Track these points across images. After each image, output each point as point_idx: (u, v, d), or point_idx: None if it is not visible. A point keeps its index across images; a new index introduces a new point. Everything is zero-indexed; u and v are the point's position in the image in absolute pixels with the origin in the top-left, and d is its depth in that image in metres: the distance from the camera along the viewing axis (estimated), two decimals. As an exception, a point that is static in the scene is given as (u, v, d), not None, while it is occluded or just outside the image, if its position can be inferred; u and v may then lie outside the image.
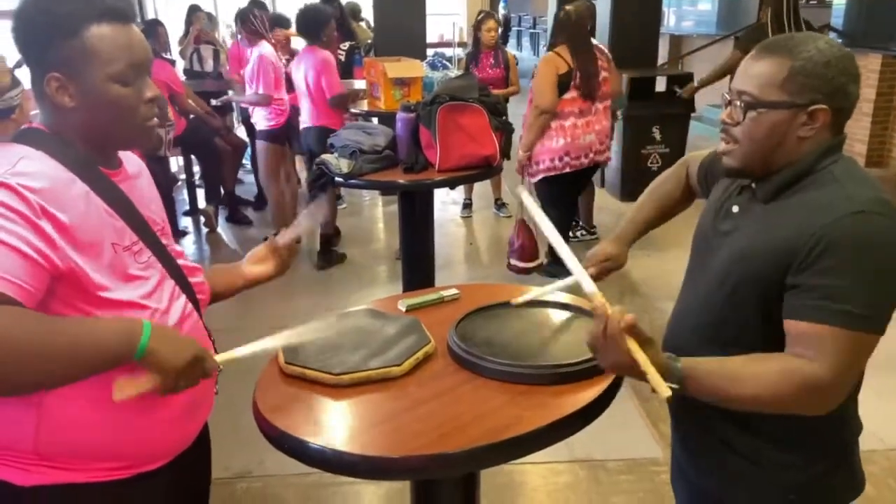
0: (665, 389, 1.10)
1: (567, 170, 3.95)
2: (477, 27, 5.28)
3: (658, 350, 1.16)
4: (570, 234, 4.81)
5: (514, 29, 16.60)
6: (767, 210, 1.24)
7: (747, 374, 1.15)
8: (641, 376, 1.13)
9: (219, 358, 1.21)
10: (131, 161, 1.32)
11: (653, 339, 1.15)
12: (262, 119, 4.82)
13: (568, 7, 4.01)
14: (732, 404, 1.19)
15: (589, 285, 1.25)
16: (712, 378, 1.16)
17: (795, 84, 1.16)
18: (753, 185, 1.28)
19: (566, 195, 4.14)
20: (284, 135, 4.89)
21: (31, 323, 0.98)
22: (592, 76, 3.90)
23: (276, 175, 4.92)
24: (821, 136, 1.19)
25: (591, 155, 3.99)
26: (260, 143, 4.89)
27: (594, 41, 4.04)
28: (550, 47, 4.05)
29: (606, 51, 4.09)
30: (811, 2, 9.40)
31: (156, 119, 1.23)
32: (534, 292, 1.63)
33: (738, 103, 1.21)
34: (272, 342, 1.26)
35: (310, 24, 4.54)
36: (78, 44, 1.11)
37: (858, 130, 6.39)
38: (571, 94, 3.88)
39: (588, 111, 3.93)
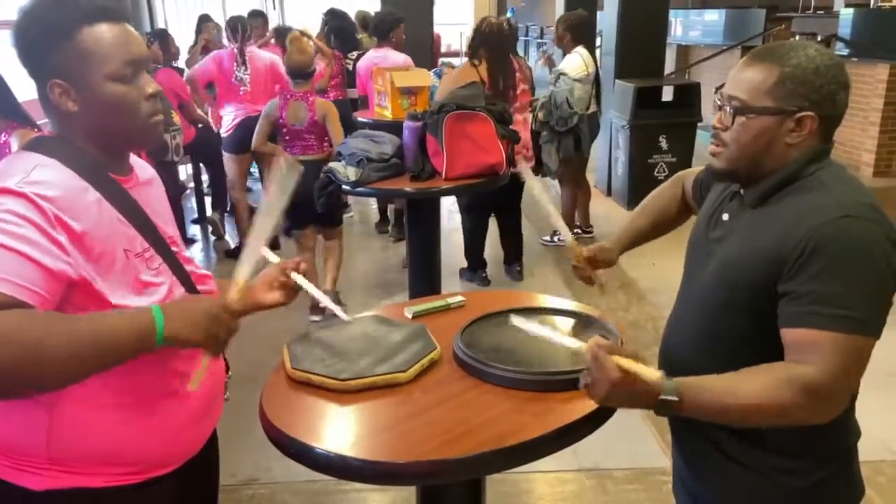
0: (654, 372, 1.08)
1: None
2: None
3: (647, 363, 1.13)
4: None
5: (522, 39, 16.67)
6: (756, 216, 1.24)
7: (744, 385, 1.13)
8: (640, 399, 1.11)
9: (234, 295, 1.19)
10: (145, 169, 1.33)
11: (638, 354, 1.13)
12: (223, 127, 4.89)
13: (491, 19, 4.14)
14: (732, 418, 1.17)
15: (573, 343, 1.22)
16: (707, 392, 1.13)
17: (784, 90, 1.17)
18: (741, 191, 1.29)
19: (484, 203, 4.32)
20: (240, 142, 4.74)
21: (44, 321, 0.98)
22: (508, 87, 4.01)
23: (238, 182, 4.96)
24: (808, 143, 1.20)
25: None
26: (223, 153, 4.93)
27: (516, 55, 4.21)
28: (471, 57, 4.12)
29: (526, 63, 4.28)
30: (818, 11, 9.40)
31: (160, 115, 1.23)
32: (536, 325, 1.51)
33: (728, 108, 1.22)
34: (258, 235, 1.27)
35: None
36: (72, 47, 1.12)
37: (866, 140, 6.36)
38: None
39: None
